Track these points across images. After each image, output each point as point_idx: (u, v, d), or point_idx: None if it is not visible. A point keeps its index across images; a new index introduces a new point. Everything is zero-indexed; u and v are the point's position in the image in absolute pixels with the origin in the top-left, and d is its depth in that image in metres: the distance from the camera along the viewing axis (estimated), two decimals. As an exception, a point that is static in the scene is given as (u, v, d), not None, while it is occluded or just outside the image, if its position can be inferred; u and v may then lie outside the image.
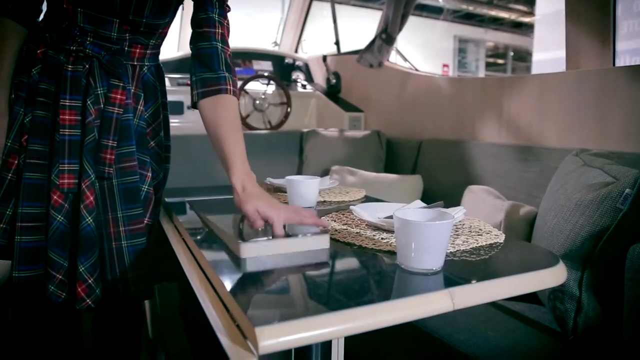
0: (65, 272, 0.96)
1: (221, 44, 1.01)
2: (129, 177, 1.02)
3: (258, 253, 0.76)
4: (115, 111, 1.00)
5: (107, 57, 0.99)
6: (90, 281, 0.96)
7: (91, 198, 0.96)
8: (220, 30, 1.02)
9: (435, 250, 0.67)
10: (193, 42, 1.02)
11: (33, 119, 0.98)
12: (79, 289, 0.95)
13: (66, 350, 1.12)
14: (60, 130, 0.96)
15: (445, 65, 10.97)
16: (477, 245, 0.81)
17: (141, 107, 1.06)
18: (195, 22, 1.02)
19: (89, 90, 0.98)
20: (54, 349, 1.10)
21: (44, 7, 1.03)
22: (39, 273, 0.97)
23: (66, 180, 0.96)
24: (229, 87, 0.99)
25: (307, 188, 1.12)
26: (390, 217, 0.84)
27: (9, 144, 0.99)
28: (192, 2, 1.05)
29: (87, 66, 0.98)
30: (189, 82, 2.73)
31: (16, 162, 0.98)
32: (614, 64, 1.62)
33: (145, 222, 1.03)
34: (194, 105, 1.02)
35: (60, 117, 0.96)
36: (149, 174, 1.06)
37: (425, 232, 0.65)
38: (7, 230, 0.98)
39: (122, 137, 1.01)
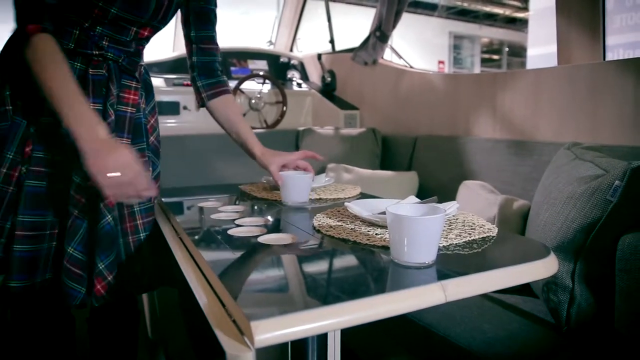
0: (84, 269, 0.95)
1: (220, 56, 1.23)
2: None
3: None
4: (129, 110, 1.04)
5: (126, 59, 1.04)
6: (109, 278, 0.96)
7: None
8: (218, 45, 1.22)
9: (427, 244, 0.68)
10: (197, 55, 1.19)
11: (41, 128, 0.97)
12: (98, 287, 0.94)
13: (60, 352, 1.12)
14: None
15: (440, 62, 10.98)
16: (470, 239, 0.82)
17: (143, 104, 1.11)
18: (197, 38, 1.18)
19: (108, 93, 1.00)
20: (47, 351, 1.10)
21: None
22: (34, 282, 0.97)
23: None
24: (229, 87, 1.24)
25: (300, 183, 1.14)
26: (384, 212, 0.85)
27: (10, 156, 0.96)
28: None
29: (105, 70, 1.01)
30: (185, 82, 2.74)
31: (17, 174, 0.96)
32: (604, 58, 1.63)
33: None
34: (202, 105, 1.23)
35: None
36: (150, 168, 1.11)
37: (417, 227, 0.66)
38: (3, 244, 0.96)
39: (136, 135, 1.06)
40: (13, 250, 0.94)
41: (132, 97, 1.05)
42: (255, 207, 1.17)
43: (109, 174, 0.80)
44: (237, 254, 0.79)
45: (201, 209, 1.16)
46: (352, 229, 0.89)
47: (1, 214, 0.96)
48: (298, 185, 1.15)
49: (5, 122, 0.96)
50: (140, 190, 0.85)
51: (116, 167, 0.81)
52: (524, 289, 1.26)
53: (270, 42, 3.44)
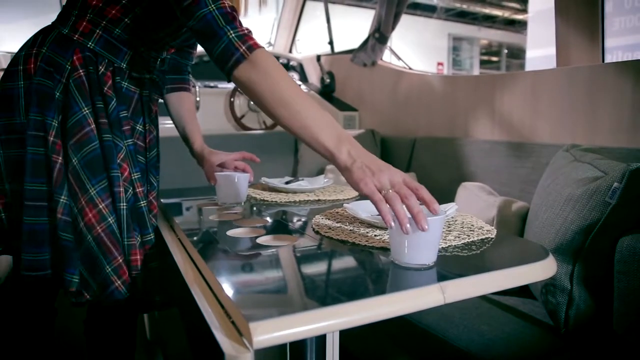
0: None
1: (192, 60, 1.28)
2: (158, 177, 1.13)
3: None
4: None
5: (162, 78, 1.10)
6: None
7: (157, 208, 1.08)
8: (196, 50, 1.26)
9: (427, 246, 0.68)
10: (174, 54, 1.22)
11: (129, 150, 0.97)
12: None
13: (40, 347, 1.11)
14: (147, 153, 1.04)
15: (440, 64, 11.00)
16: (469, 240, 0.82)
17: None
18: (171, 66, 1.22)
19: (151, 109, 1.07)
20: (30, 342, 1.09)
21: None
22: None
23: (151, 199, 1.04)
24: (190, 86, 1.28)
25: (234, 183, 1.15)
26: (383, 214, 0.85)
27: (116, 174, 0.93)
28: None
29: (148, 88, 1.05)
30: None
31: (120, 189, 0.93)
32: (603, 60, 1.64)
33: None
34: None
35: (145, 142, 1.04)
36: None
37: (417, 228, 0.66)
38: None
39: (155, 144, 1.10)
40: (149, 267, 1.00)
41: (155, 108, 1.10)
42: (254, 208, 1.17)
43: (382, 192, 0.72)
44: (236, 255, 0.79)
45: (200, 210, 1.16)
46: (350, 230, 0.89)
47: (127, 234, 0.93)
48: (232, 184, 1.14)
49: (94, 143, 0.91)
50: (421, 195, 0.72)
51: (383, 185, 0.74)
52: (522, 291, 1.26)
53: (270, 44, 3.44)
